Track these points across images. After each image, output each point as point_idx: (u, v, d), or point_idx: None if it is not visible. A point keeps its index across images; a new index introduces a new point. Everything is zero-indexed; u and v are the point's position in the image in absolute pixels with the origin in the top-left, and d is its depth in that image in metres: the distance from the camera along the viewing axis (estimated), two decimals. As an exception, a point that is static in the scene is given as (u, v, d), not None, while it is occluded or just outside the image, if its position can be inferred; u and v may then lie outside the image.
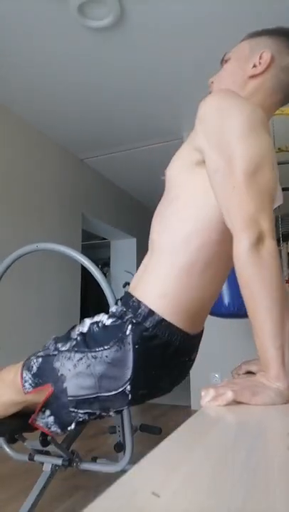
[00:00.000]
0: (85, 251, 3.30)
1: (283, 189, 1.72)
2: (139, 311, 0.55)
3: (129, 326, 0.54)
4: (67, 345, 0.58)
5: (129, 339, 0.54)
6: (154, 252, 0.59)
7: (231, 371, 0.67)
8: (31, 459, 0.90)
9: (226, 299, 1.40)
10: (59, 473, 0.94)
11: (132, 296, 0.57)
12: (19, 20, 1.47)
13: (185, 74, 1.79)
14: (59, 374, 0.56)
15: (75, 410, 0.57)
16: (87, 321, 0.60)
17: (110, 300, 0.90)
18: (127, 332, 0.54)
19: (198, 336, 0.62)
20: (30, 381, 0.59)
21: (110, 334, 0.55)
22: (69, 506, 1.09)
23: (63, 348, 0.58)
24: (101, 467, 0.96)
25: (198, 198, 0.55)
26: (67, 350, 0.57)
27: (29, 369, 0.60)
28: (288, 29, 0.61)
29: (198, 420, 0.36)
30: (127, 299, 0.58)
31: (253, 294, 0.45)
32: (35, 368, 0.59)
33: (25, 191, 2.13)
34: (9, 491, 1.17)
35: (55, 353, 0.58)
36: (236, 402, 0.41)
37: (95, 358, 0.55)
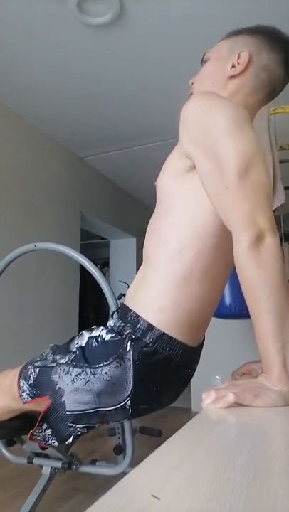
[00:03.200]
0: (84, 250, 3.30)
1: (285, 188, 1.71)
2: (138, 325, 0.53)
3: (129, 342, 0.53)
4: (66, 358, 0.57)
5: (129, 355, 0.52)
6: (150, 264, 0.57)
7: (232, 373, 0.67)
8: (30, 462, 0.89)
9: (228, 300, 1.40)
10: (58, 475, 0.93)
11: (130, 310, 0.56)
12: (18, 17, 1.46)
13: (185, 71, 1.80)
14: (57, 387, 0.55)
15: (73, 425, 0.56)
16: (86, 335, 0.58)
17: (110, 300, 0.89)
18: (127, 348, 0.53)
19: (200, 347, 0.61)
20: (28, 391, 0.59)
21: (110, 350, 0.54)
22: (68, 509, 1.09)
23: (62, 361, 0.57)
24: (101, 470, 0.95)
25: (191, 206, 0.54)
26: (66, 364, 0.56)
27: (26, 379, 0.59)
28: (267, 27, 0.61)
29: (199, 422, 0.36)
30: (125, 313, 0.56)
31: (254, 295, 0.44)
32: (32, 379, 0.58)
33: (23, 190, 2.12)
34: (8, 493, 1.16)
35: (53, 364, 0.57)
36: (237, 404, 0.40)
37: (94, 374, 0.53)
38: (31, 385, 0.58)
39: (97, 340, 0.56)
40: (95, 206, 2.83)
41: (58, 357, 0.58)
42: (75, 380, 0.54)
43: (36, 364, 0.59)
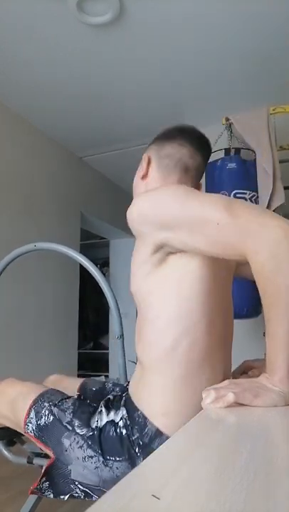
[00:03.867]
0: (84, 250, 3.29)
1: (285, 188, 1.71)
2: (146, 430, 0.54)
3: (137, 448, 0.54)
4: (83, 431, 0.57)
5: (140, 460, 0.53)
6: (144, 368, 0.57)
7: (232, 372, 0.67)
8: (30, 462, 0.89)
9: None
10: (58, 475, 0.93)
11: (137, 409, 0.55)
12: (18, 17, 1.45)
13: (185, 70, 1.80)
14: (65, 452, 0.56)
15: (75, 486, 0.56)
16: (104, 416, 0.58)
17: (110, 300, 0.89)
18: (138, 454, 0.53)
19: None
20: (33, 428, 0.59)
21: (123, 448, 0.54)
22: (68, 509, 1.09)
23: (78, 431, 0.57)
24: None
25: (168, 301, 0.54)
26: (82, 438, 0.56)
27: (37, 415, 0.59)
28: (162, 132, 0.70)
29: (199, 422, 0.36)
30: (132, 411, 0.56)
31: (278, 298, 0.42)
32: (43, 422, 0.59)
33: (23, 190, 2.12)
34: (8, 493, 1.16)
35: (69, 428, 0.57)
36: (237, 404, 0.40)
37: (106, 465, 0.54)
38: (39, 428, 0.59)
39: (115, 430, 0.56)
40: (94, 206, 2.83)
41: (76, 422, 0.58)
42: (86, 460, 0.55)
43: (53, 410, 0.59)
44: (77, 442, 0.56)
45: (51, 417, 0.58)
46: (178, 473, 0.23)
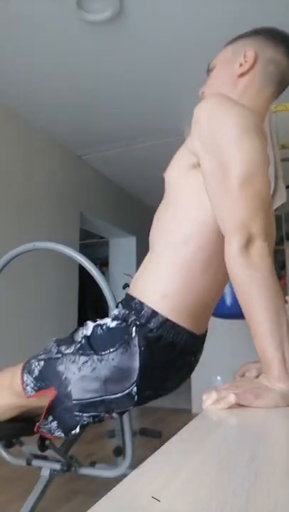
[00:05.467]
0: (83, 250, 3.29)
1: (287, 187, 1.70)
2: (143, 312, 0.55)
3: (134, 328, 0.54)
4: (72, 348, 0.57)
5: (135, 341, 0.53)
6: (154, 253, 0.59)
7: (233, 373, 0.67)
8: (29, 463, 0.89)
9: (228, 300, 1.40)
10: (57, 477, 0.92)
11: (134, 298, 0.57)
12: (17, 15, 1.45)
13: (185, 69, 1.80)
14: (63, 377, 0.56)
15: (80, 414, 0.56)
16: (90, 324, 0.59)
17: (109, 300, 0.89)
18: (133, 334, 0.54)
19: (203, 337, 0.62)
20: (32, 384, 0.59)
21: (116, 336, 0.55)
22: (67, 511, 1.08)
23: (67, 351, 0.57)
24: (100, 472, 0.94)
25: (194, 202, 0.56)
26: (72, 353, 0.56)
27: (30, 372, 0.59)
28: (264, 27, 0.65)
29: (200, 424, 0.36)
30: (129, 301, 0.58)
31: (246, 296, 0.45)
32: (37, 371, 0.58)
33: (22, 188, 2.11)
34: (7, 495, 1.16)
35: (59, 355, 0.57)
36: (238, 405, 0.40)
37: (101, 361, 0.54)
38: (36, 378, 0.58)
39: (102, 328, 0.57)
40: (94, 205, 2.83)
41: (62, 348, 0.58)
42: (82, 368, 0.55)
43: (40, 357, 0.60)
44: (69, 360, 0.56)
45: (42, 362, 0.59)
46: (178, 475, 0.23)
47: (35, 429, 0.60)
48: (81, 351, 0.56)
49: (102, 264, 3.63)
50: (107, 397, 0.55)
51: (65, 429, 0.58)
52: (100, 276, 0.90)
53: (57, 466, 0.88)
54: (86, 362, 0.55)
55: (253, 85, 0.61)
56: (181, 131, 2.31)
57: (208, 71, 0.68)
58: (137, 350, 0.53)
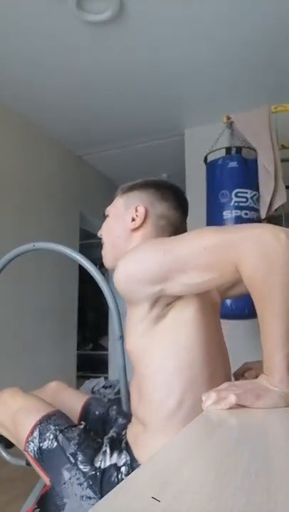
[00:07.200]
0: (83, 250, 3.29)
1: (287, 187, 1.70)
2: None
3: None
4: (86, 469, 0.56)
5: None
6: (147, 428, 0.56)
7: (232, 374, 0.67)
8: (29, 464, 0.89)
9: (228, 300, 1.40)
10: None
11: (136, 461, 0.55)
12: (17, 15, 1.45)
13: (185, 68, 1.80)
14: (63, 484, 0.55)
15: None
16: (108, 459, 0.57)
17: (109, 300, 0.89)
18: None
19: None
20: (35, 449, 0.59)
21: None
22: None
23: (81, 467, 0.56)
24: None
25: (170, 350, 0.54)
26: (83, 475, 0.55)
27: (41, 437, 0.59)
28: (154, 180, 0.67)
29: (200, 424, 0.36)
30: (132, 461, 0.56)
31: (269, 298, 0.43)
32: (45, 446, 0.58)
33: (21, 189, 2.11)
34: (7, 495, 1.16)
35: (72, 460, 0.56)
36: (238, 406, 0.40)
37: None
38: (41, 450, 0.58)
39: (117, 476, 0.55)
40: (94, 205, 2.82)
41: (79, 457, 0.57)
42: (84, 500, 0.54)
43: (58, 436, 0.58)
44: (78, 478, 0.55)
45: (55, 443, 0.58)
46: (178, 475, 0.23)
47: None
48: (91, 482, 0.55)
49: (102, 265, 3.61)
50: None
51: None
52: (99, 276, 0.90)
53: (57, 466, 0.88)
54: (90, 498, 0.54)
55: (146, 237, 0.63)
56: (182, 130, 2.31)
57: (103, 216, 0.71)
58: None
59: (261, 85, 1.87)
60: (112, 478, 0.55)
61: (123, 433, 0.62)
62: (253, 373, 0.64)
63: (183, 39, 1.59)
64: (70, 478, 0.55)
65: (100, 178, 2.97)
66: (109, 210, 0.70)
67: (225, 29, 1.52)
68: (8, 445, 0.88)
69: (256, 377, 0.46)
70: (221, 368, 0.58)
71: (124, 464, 0.56)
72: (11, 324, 1.95)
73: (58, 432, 0.59)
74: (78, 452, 0.57)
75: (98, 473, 0.55)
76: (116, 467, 0.56)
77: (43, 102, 2.05)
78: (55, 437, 0.58)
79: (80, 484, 0.55)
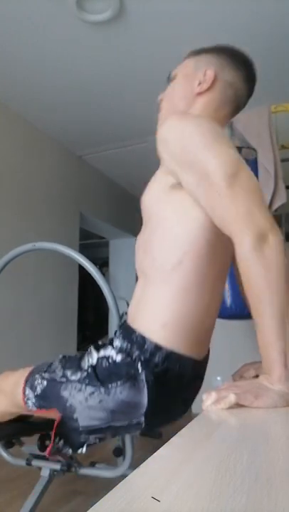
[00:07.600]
0: (83, 250, 3.29)
1: (287, 187, 1.70)
2: (145, 346, 0.54)
3: (139, 364, 0.53)
4: (78, 376, 0.57)
5: (142, 376, 0.53)
6: (147, 282, 0.58)
7: (232, 374, 0.67)
8: (29, 463, 0.89)
9: (228, 300, 1.39)
10: (57, 477, 0.92)
11: (134, 331, 0.56)
12: (17, 15, 1.45)
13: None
14: (67, 404, 0.56)
15: (87, 436, 0.57)
16: (94, 354, 0.58)
17: (109, 300, 0.89)
18: (139, 370, 0.53)
19: (207, 357, 0.61)
20: (33, 400, 0.59)
21: (122, 371, 0.54)
22: (69, 509, 1.08)
23: (73, 378, 0.57)
24: (100, 472, 0.94)
25: (179, 222, 0.56)
26: (78, 381, 0.56)
27: (32, 388, 0.59)
28: (226, 47, 0.65)
29: (200, 424, 0.36)
30: (129, 334, 0.57)
31: (258, 298, 0.45)
32: (39, 390, 0.59)
33: (21, 189, 2.11)
34: (7, 495, 1.16)
35: (63, 380, 0.57)
36: (238, 405, 0.40)
37: (108, 394, 0.54)
38: (38, 396, 0.59)
39: (108, 361, 0.56)
40: (94, 205, 2.83)
41: (68, 373, 0.58)
42: (89, 399, 0.55)
43: (44, 376, 0.59)
44: (75, 387, 0.56)
45: (45, 382, 0.58)
46: (178, 475, 0.23)
47: (48, 454, 0.61)
48: (87, 381, 0.55)
49: (102, 265, 3.62)
50: (114, 424, 0.55)
51: (72, 447, 0.59)
52: (99, 276, 0.90)
53: (57, 466, 0.88)
54: (93, 393, 0.54)
55: (210, 105, 0.62)
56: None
57: (168, 79, 0.68)
58: (144, 385, 0.53)
59: (261, 85, 1.86)
60: (104, 365, 0.56)
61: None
62: (252, 373, 0.64)
63: (182, 39, 1.59)
64: (70, 394, 0.56)
65: (100, 178, 2.97)
66: (179, 69, 0.66)
67: (225, 29, 1.52)
68: (9, 444, 0.88)
69: (256, 377, 0.46)
70: (224, 252, 0.58)
71: (113, 349, 0.57)
72: (11, 324, 1.95)
73: (42, 373, 0.60)
74: (65, 371, 0.58)
75: (90, 370, 0.56)
76: (104, 357, 0.57)
77: (43, 102, 2.05)
78: (43, 378, 0.59)
79: (80, 390, 0.55)
